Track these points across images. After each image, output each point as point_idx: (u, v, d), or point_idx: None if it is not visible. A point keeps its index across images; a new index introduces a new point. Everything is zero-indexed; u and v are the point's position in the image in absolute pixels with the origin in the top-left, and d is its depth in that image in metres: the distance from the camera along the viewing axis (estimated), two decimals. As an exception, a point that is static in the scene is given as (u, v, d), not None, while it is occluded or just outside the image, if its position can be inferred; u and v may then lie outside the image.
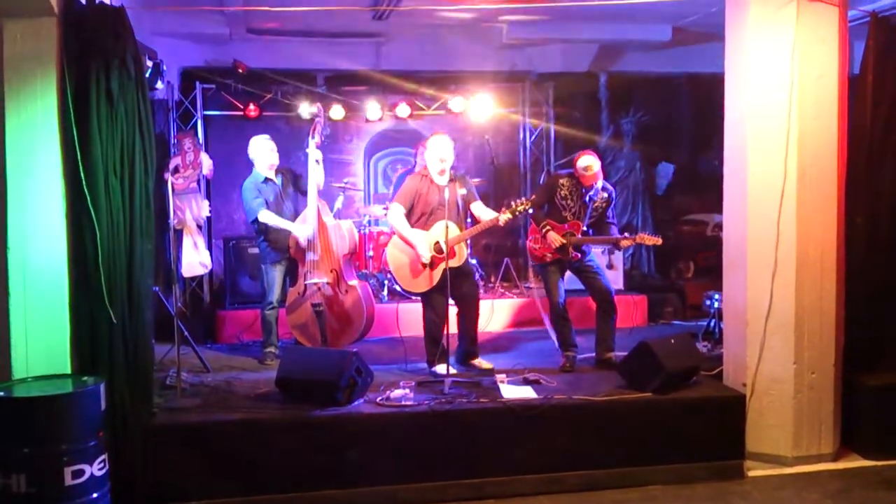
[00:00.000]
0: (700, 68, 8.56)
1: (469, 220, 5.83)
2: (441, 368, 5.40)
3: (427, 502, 4.62)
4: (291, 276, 6.45)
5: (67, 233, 4.36)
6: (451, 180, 5.68)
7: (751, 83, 5.03)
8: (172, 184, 5.61)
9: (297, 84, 8.69)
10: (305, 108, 8.36)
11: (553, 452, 4.79)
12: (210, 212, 6.70)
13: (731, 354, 5.33)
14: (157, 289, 5.63)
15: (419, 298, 5.87)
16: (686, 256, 9.30)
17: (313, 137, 6.28)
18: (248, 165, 6.44)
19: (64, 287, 4.36)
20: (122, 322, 4.45)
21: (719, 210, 5.50)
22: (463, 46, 8.65)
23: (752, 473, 4.97)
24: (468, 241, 5.83)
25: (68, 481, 3.76)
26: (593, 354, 5.93)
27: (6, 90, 4.27)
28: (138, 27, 4.69)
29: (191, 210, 5.95)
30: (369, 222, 8.17)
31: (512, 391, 5.03)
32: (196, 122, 8.49)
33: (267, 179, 6.29)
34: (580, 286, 6.11)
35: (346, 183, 8.44)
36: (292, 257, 6.31)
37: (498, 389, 5.06)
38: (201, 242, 6.12)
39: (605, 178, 6.11)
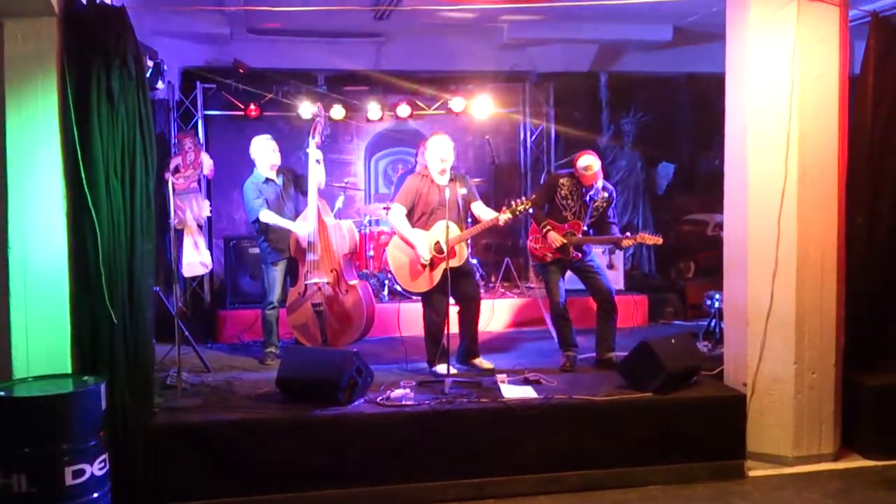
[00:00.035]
0: (700, 68, 8.57)
1: (469, 219, 5.83)
2: (441, 368, 5.40)
3: (427, 502, 4.62)
4: (292, 275, 6.45)
5: (68, 232, 4.36)
6: (451, 180, 5.68)
7: (751, 83, 5.03)
8: (173, 184, 5.61)
9: (297, 84, 8.70)
10: (306, 108, 8.36)
11: (553, 452, 4.79)
12: (210, 211, 6.70)
13: (732, 354, 5.33)
14: (157, 289, 5.64)
15: (419, 298, 5.87)
16: (686, 256, 9.30)
17: (313, 137, 6.27)
18: (249, 165, 6.45)
19: (64, 287, 4.36)
20: (123, 322, 4.45)
21: (720, 210, 5.50)
22: (463, 46, 8.66)
23: (752, 473, 4.97)
24: (469, 241, 5.83)
25: (69, 481, 3.76)
26: (594, 354, 5.92)
27: (7, 90, 4.27)
28: (139, 27, 4.69)
29: (191, 210, 5.95)
30: (370, 222, 8.17)
31: (512, 391, 5.03)
32: (196, 121, 8.50)
33: (268, 179, 6.29)
34: (581, 286, 6.11)
35: (346, 183, 8.45)
36: (293, 257, 6.32)
37: (498, 389, 5.06)
38: (202, 242, 6.12)
39: (606, 178, 6.11)
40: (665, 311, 8.30)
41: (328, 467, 4.59)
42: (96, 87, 4.36)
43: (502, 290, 8.36)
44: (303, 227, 6.16)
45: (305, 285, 6.22)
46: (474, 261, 7.59)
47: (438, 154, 5.65)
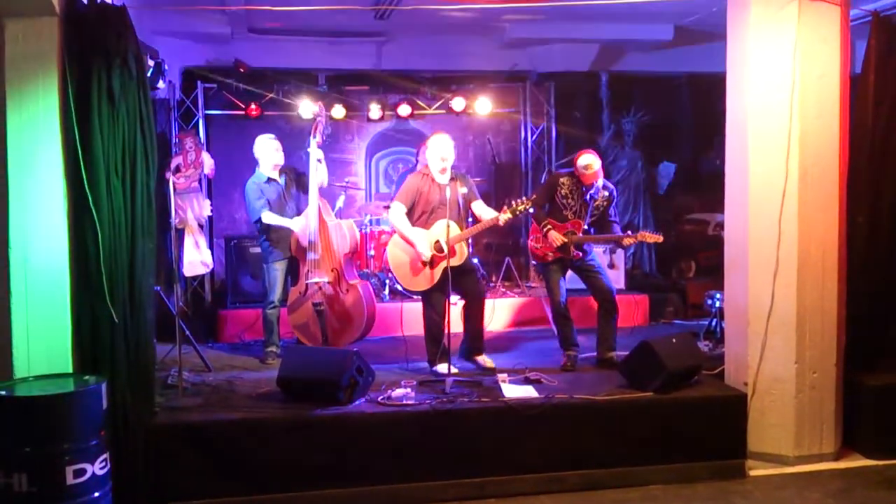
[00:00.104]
0: (701, 68, 8.56)
1: (470, 219, 5.83)
2: (442, 368, 5.40)
3: (428, 501, 4.62)
4: (293, 275, 6.46)
5: (69, 232, 4.37)
6: (452, 179, 5.68)
7: (752, 83, 5.03)
8: (174, 183, 5.61)
9: (298, 83, 8.70)
10: (306, 108, 8.36)
11: (554, 452, 4.79)
12: (211, 211, 6.70)
13: (733, 354, 5.33)
14: (158, 288, 5.64)
15: (420, 298, 5.87)
16: (687, 256, 9.30)
17: (315, 137, 6.28)
18: (249, 165, 6.45)
19: (65, 286, 4.36)
20: (124, 321, 4.45)
21: (721, 209, 5.50)
22: (464, 46, 8.67)
23: (753, 473, 4.97)
24: (469, 240, 5.83)
25: (70, 480, 3.76)
26: (594, 354, 5.93)
27: (7, 90, 4.27)
28: (140, 26, 4.69)
29: (192, 209, 5.95)
30: (370, 221, 8.18)
31: (513, 390, 5.03)
32: (197, 121, 8.50)
33: (270, 179, 6.29)
34: (582, 285, 6.11)
35: (347, 182, 8.45)
36: (294, 256, 6.32)
37: (499, 389, 5.07)
38: (203, 242, 6.12)
39: (607, 177, 6.10)
40: (666, 310, 8.30)
41: (329, 467, 4.59)
42: (97, 86, 4.36)
43: (503, 290, 8.36)
44: (299, 223, 6.17)
45: (306, 284, 6.22)
46: (475, 260, 7.59)
47: (439, 153, 5.65)
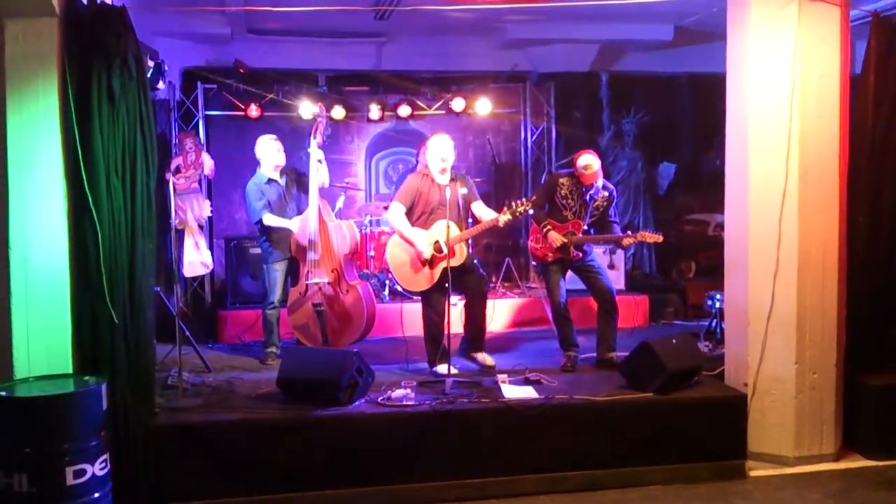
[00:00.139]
0: (701, 68, 8.56)
1: (470, 219, 5.83)
2: (442, 368, 5.40)
3: (429, 502, 4.62)
4: (293, 275, 6.46)
5: (69, 232, 4.37)
6: (451, 180, 5.68)
7: (752, 83, 5.03)
8: (174, 184, 5.62)
9: (298, 84, 8.70)
10: (306, 109, 8.37)
11: (554, 452, 4.79)
12: (211, 212, 6.70)
13: (733, 354, 5.33)
14: (158, 289, 5.64)
15: (420, 298, 5.87)
16: (687, 256, 9.30)
17: (315, 137, 6.28)
18: (249, 165, 6.45)
19: (65, 287, 4.36)
20: (124, 322, 4.45)
21: (721, 210, 5.50)
22: (464, 46, 8.67)
23: (753, 473, 4.97)
24: (469, 240, 5.83)
25: (70, 481, 3.76)
26: (594, 354, 5.93)
27: (7, 90, 4.27)
28: (139, 27, 4.69)
29: (192, 210, 5.95)
30: (370, 222, 8.18)
31: (513, 391, 5.03)
32: (197, 122, 8.50)
33: (270, 180, 6.30)
34: (582, 286, 6.11)
35: (347, 183, 8.45)
36: (294, 257, 6.32)
37: (499, 389, 5.06)
38: (203, 242, 6.12)
39: (607, 177, 6.10)
40: (666, 311, 8.30)
41: (329, 467, 4.59)
42: (97, 87, 4.36)
43: (503, 290, 8.36)
44: (295, 224, 6.17)
45: (306, 285, 6.23)
46: (475, 261, 7.58)
47: (439, 153, 5.66)
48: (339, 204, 7.90)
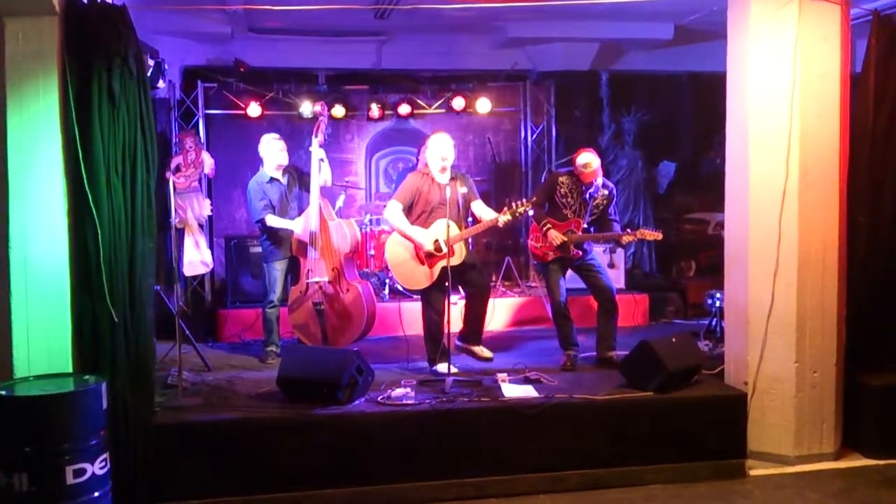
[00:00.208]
0: (702, 67, 8.56)
1: (470, 218, 5.83)
2: (442, 367, 5.40)
3: (429, 501, 4.62)
4: (293, 274, 6.46)
5: (69, 231, 4.37)
6: (451, 179, 5.68)
7: (753, 82, 5.03)
8: (174, 183, 5.62)
9: (298, 83, 8.70)
10: (307, 108, 8.37)
11: (554, 451, 4.79)
12: (211, 211, 6.70)
13: (733, 353, 5.33)
14: (158, 287, 5.64)
15: (419, 297, 5.87)
16: (687, 255, 9.31)
17: (316, 136, 6.29)
18: (250, 164, 6.45)
19: (65, 286, 4.36)
20: (124, 321, 4.45)
21: (721, 209, 5.50)
22: (464, 45, 8.67)
23: (753, 472, 4.97)
24: (469, 239, 5.83)
25: (70, 480, 3.77)
26: (594, 353, 5.92)
27: (8, 89, 4.27)
28: (140, 26, 4.69)
29: (192, 209, 5.95)
30: (370, 221, 8.18)
31: (513, 390, 5.03)
32: (197, 121, 8.50)
33: (272, 179, 6.30)
34: (582, 285, 6.11)
35: (347, 182, 8.45)
36: (294, 256, 6.33)
37: (499, 388, 5.06)
38: (203, 241, 6.12)
39: (607, 176, 6.10)
40: (666, 310, 8.31)
41: (329, 466, 4.59)
42: (97, 85, 4.36)
43: (503, 289, 8.36)
44: (298, 225, 6.17)
45: (307, 284, 6.23)
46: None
47: (439, 152, 5.65)
48: (340, 203, 7.90)
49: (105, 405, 3.99)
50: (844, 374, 5.17)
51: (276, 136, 6.42)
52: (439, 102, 8.99)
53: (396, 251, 5.77)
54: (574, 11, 7.35)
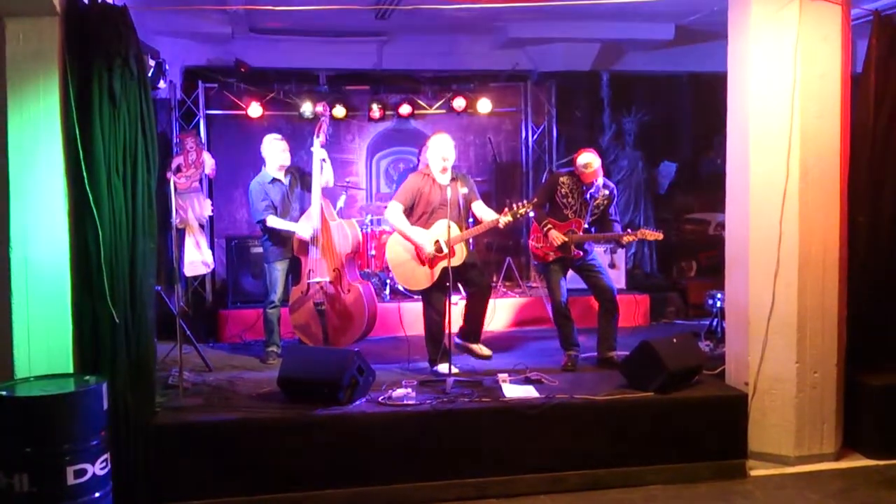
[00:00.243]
0: (702, 67, 8.55)
1: (470, 219, 5.83)
2: (443, 368, 5.40)
3: (429, 501, 4.62)
4: (294, 274, 6.46)
5: (70, 232, 4.37)
6: (452, 179, 5.68)
7: (753, 82, 5.03)
8: (175, 183, 5.62)
9: (299, 83, 8.70)
10: (307, 108, 8.38)
11: (555, 452, 4.79)
12: (212, 211, 6.70)
13: (734, 354, 5.33)
14: (159, 288, 5.64)
15: (420, 297, 5.87)
16: (688, 255, 9.30)
17: (318, 136, 6.29)
18: (250, 164, 6.45)
19: (66, 286, 4.36)
20: (125, 321, 4.45)
21: (721, 209, 5.50)
22: (465, 45, 8.67)
23: (754, 473, 4.97)
24: (470, 240, 5.83)
25: (70, 481, 3.77)
26: (595, 354, 5.92)
27: (8, 89, 4.28)
28: (140, 26, 4.69)
29: (193, 209, 5.95)
30: (371, 221, 8.18)
31: (514, 390, 5.03)
32: (198, 121, 8.50)
33: (274, 179, 6.30)
34: (582, 285, 6.11)
35: (347, 182, 8.45)
36: (296, 256, 6.33)
37: (500, 389, 5.07)
38: (203, 242, 6.12)
39: (608, 176, 6.10)
40: (667, 310, 8.30)
41: (330, 467, 4.59)
42: (98, 86, 4.37)
43: (504, 290, 8.36)
44: (305, 229, 6.17)
45: (308, 284, 6.23)
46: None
47: (440, 153, 5.66)
48: (340, 203, 7.91)
49: (106, 406, 3.99)
50: (845, 374, 5.17)
51: (279, 136, 6.43)
52: (440, 103, 8.99)
53: (397, 252, 5.77)
54: (575, 12, 7.35)
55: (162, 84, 6.49)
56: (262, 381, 5.45)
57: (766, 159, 5.00)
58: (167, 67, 6.56)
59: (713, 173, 8.48)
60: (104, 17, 4.45)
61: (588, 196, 5.84)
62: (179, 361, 5.24)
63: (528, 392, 5.01)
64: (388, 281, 7.84)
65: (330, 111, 7.33)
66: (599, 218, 5.96)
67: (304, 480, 4.56)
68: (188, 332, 5.86)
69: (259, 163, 6.43)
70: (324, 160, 6.26)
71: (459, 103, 8.86)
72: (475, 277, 5.79)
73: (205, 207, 6.09)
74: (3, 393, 3.86)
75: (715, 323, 6.86)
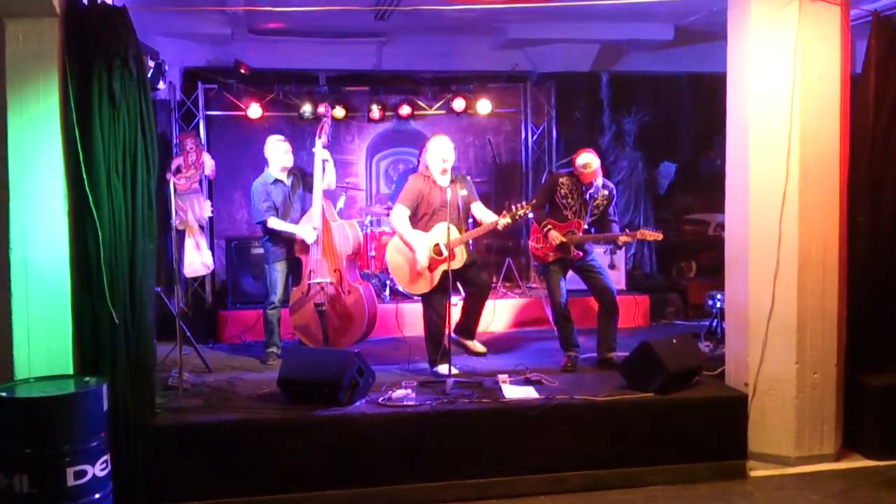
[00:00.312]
0: (702, 68, 8.55)
1: (470, 220, 5.83)
2: (443, 368, 5.40)
3: (429, 502, 4.62)
4: (295, 275, 6.46)
5: (69, 233, 4.37)
6: (452, 181, 5.68)
7: (753, 82, 5.03)
8: (174, 184, 5.62)
9: (298, 84, 8.70)
10: (307, 109, 8.38)
11: (555, 453, 4.79)
12: (212, 212, 6.70)
13: (733, 354, 5.33)
14: (159, 289, 5.64)
15: (420, 298, 5.87)
16: (688, 256, 9.30)
17: (320, 137, 6.30)
18: (250, 165, 6.46)
19: (66, 287, 4.36)
20: (124, 322, 4.45)
21: (721, 210, 5.50)
22: (464, 46, 8.67)
23: (754, 473, 4.97)
24: (469, 241, 5.83)
25: (70, 482, 3.76)
26: (595, 354, 5.92)
27: (8, 90, 4.27)
28: (140, 27, 4.69)
29: (193, 210, 5.95)
30: (371, 222, 8.18)
31: (514, 391, 5.03)
32: (198, 122, 8.50)
33: (277, 181, 6.31)
34: (582, 286, 6.11)
35: (347, 183, 8.45)
36: (296, 257, 6.33)
37: (500, 389, 5.06)
38: (203, 243, 6.13)
39: (607, 177, 6.10)
40: (666, 311, 8.30)
41: (330, 468, 4.59)
42: (98, 87, 4.37)
43: (504, 291, 8.36)
44: (306, 231, 6.17)
45: (309, 285, 6.23)
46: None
47: (440, 154, 5.66)
48: (340, 204, 7.91)
49: (106, 407, 3.99)
50: (845, 374, 5.17)
51: (282, 137, 6.44)
52: (440, 104, 8.99)
53: (397, 256, 5.77)
54: (574, 12, 7.36)
55: (161, 85, 6.48)
56: (262, 382, 5.45)
57: (766, 159, 5.00)
58: (167, 68, 6.55)
59: (713, 174, 8.48)
60: (104, 18, 4.45)
61: (588, 196, 5.84)
62: (179, 362, 5.23)
63: (528, 393, 5.01)
64: (387, 282, 7.84)
65: (331, 112, 7.33)
66: (599, 218, 5.96)
67: (304, 481, 4.56)
68: (188, 333, 5.86)
69: (259, 163, 6.43)
70: (326, 160, 6.27)
71: (459, 104, 8.87)
72: (474, 277, 5.79)
73: (204, 208, 6.09)
74: (3, 394, 3.86)
75: (715, 323, 6.86)
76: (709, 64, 7.27)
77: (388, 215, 7.04)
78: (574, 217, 5.84)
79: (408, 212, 5.68)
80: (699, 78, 9.13)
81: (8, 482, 3.70)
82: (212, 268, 6.49)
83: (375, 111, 8.79)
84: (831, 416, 5.08)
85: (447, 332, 5.52)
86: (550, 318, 6.17)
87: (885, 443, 5.16)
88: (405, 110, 8.86)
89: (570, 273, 6.01)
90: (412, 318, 6.37)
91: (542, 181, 8.73)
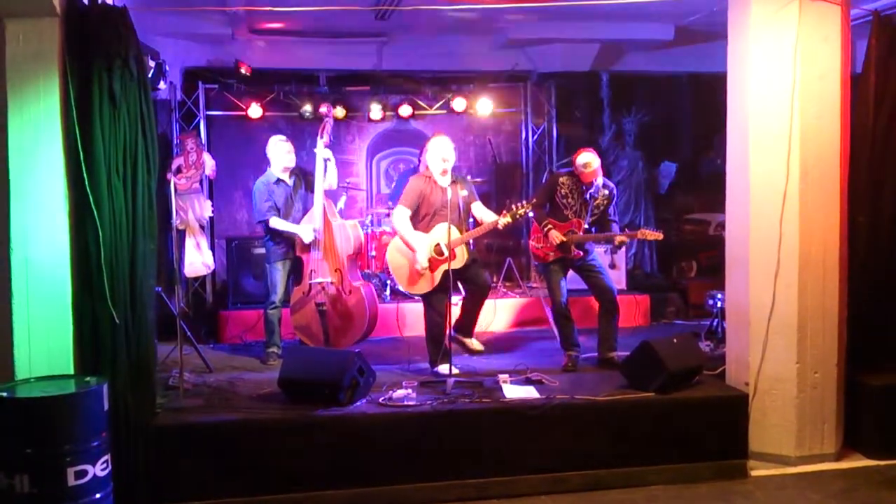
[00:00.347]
0: (702, 67, 8.55)
1: (470, 220, 5.83)
2: (444, 368, 5.40)
3: (430, 502, 4.62)
4: (296, 275, 6.47)
5: (70, 233, 4.37)
6: (452, 181, 5.68)
7: (753, 82, 5.03)
8: (175, 184, 5.62)
9: (299, 84, 8.70)
10: (309, 109, 8.39)
11: (556, 452, 4.79)
12: (213, 212, 6.70)
13: (734, 354, 5.33)
14: (159, 289, 5.64)
15: (420, 298, 5.87)
16: (688, 256, 9.31)
17: (322, 137, 6.30)
18: (251, 165, 6.46)
19: (66, 287, 4.36)
20: (125, 322, 4.45)
21: (722, 209, 5.50)
22: (465, 46, 8.67)
23: (755, 473, 4.97)
24: (470, 241, 5.83)
25: (71, 482, 3.77)
26: (595, 354, 5.92)
27: (8, 90, 4.28)
28: (140, 27, 4.69)
29: (193, 210, 5.95)
30: (372, 222, 8.18)
31: (514, 391, 5.03)
32: (198, 122, 8.50)
33: (279, 180, 6.31)
34: (582, 285, 6.11)
35: (348, 183, 8.45)
36: (297, 257, 6.33)
37: (500, 389, 5.06)
38: (204, 243, 6.13)
39: (608, 177, 6.09)
40: (667, 310, 8.30)
41: (330, 468, 4.59)
42: (98, 87, 4.37)
43: (504, 290, 8.36)
44: (307, 232, 6.17)
45: (310, 285, 6.23)
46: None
47: (440, 154, 5.66)
48: (341, 204, 7.90)
49: (106, 407, 3.99)
50: (845, 374, 5.17)
51: (284, 137, 6.44)
52: (440, 103, 8.99)
53: (398, 257, 5.77)
54: (574, 12, 7.35)
55: (162, 85, 6.48)
56: (262, 382, 5.45)
57: (766, 159, 5.00)
58: (167, 68, 6.55)
59: (713, 173, 8.47)
60: (104, 18, 4.45)
61: (588, 196, 5.84)
62: (180, 362, 5.23)
63: (529, 392, 5.01)
64: (388, 282, 7.84)
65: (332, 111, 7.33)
66: (599, 218, 5.96)
67: (304, 481, 4.56)
68: (188, 333, 5.86)
69: (259, 163, 6.43)
70: (328, 160, 6.27)
71: (459, 104, 8.87)
72: (475, 277, 5.79)
73: (205, 208, 6.09)
74: (4, 394, 3.86)
75: (715, 323, 6.86)
76: (709, 64, 7.27)
77: (388, 215, 7.04)
78: (574, 217, 5.84)
79: (409, 212, 5.68)
80: (699, 78, 9.13)
81: (9, 482, 3.71)
82: (212, 268, 6.49)
83: (376, 111, 8.79)
84: (832, 415, 5.08)
85: (448, 331, 5.52)
86: (550, 318, 6.17)
87: (886, 442, 5.16)
88: (405, 110, 8.85)
89: (571, 272, 6.01)
90: (413, 318, 6.37)
91: (543, 181, 8.74)
